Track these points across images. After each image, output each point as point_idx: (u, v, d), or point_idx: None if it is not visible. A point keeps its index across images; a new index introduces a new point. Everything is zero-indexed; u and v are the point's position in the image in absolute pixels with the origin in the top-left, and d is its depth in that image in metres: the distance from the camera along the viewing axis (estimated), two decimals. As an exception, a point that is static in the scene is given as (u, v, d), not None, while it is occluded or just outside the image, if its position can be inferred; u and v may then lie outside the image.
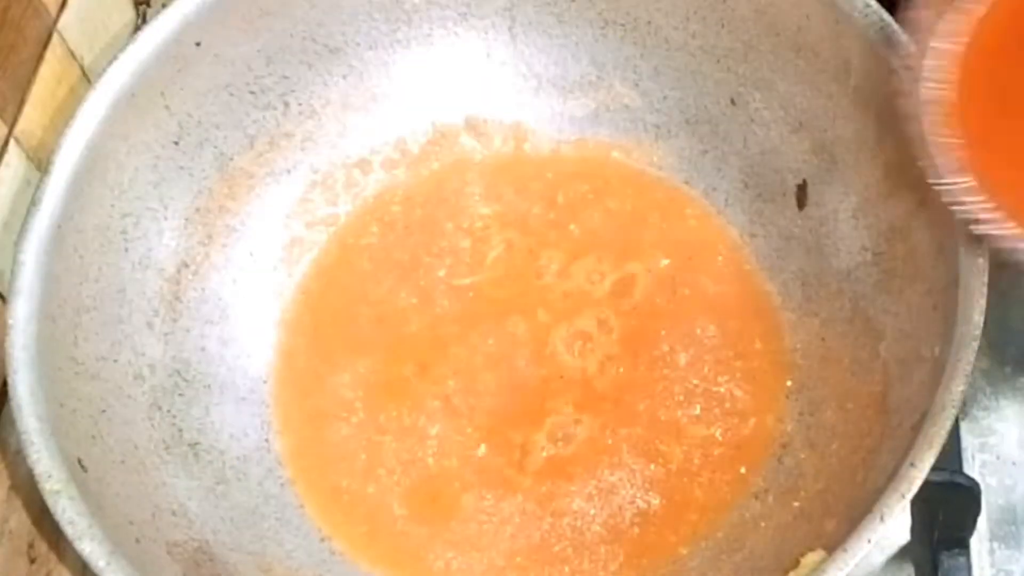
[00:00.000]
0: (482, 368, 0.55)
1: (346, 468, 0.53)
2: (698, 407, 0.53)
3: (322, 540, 0.52)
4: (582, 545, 0.51)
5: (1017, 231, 0.43)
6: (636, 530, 0.51)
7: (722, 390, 0.53)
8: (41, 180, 0.48)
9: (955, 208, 0.43)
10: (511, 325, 0.56)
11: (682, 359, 0.54)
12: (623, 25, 0.57)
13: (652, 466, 0.52)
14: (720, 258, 0.57)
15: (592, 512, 0.51)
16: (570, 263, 0.57)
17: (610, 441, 0.53)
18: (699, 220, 0.58)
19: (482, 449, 0.53)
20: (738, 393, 0.53)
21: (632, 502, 0.51)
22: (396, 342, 0.56)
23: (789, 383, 0.53)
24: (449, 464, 0.53)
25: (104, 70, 0.50)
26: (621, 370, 0.54)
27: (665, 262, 0.57)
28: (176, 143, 0.54)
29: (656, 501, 0.51)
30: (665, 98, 0.58)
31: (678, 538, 0.51)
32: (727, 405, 0.53)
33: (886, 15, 0.49)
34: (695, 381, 0.54)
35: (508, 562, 0.51)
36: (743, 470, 0.52)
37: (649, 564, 0.50)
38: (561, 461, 0.52)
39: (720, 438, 0.52)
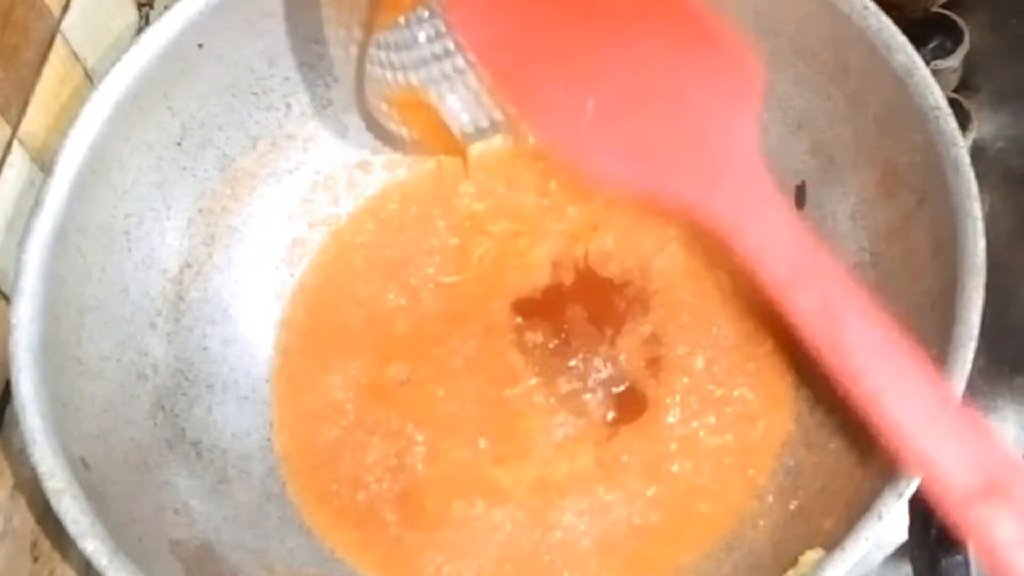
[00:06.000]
0: (466, 374, 0.55)
1: (334, 472, 0.53)
2: (712, 416, 0.53)
3: (323, 539, 0.52)
4: (572, 556, 0.51)
5: None
6: (631, 542, 0.51)
7: (735, 394, 0.53)
8: (44, 181, 0.49)
9: None
10: (500, 329, 0.55)
11: (699, 362, 0.54)
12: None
13: (652, 489, 0.51)
14: (731, 255, 0.56)
15: (583, 528, 0.51)
16: (571, 246, 0.57)
17: (610, 458, 0.52)
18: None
19: (470, 458, 0.53)
20: (749, 396, 0.53)
21: (628, 520, 0.51)
22: (384, 343, 0.56)
23: (788, 382, 0.53)
24: (437, 471, 0.53)
25: (107, 71, 0.50)
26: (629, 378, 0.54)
27: (680, 253, 0.56)
28: (179, 144, 0.54)
29: (656, 518, 0.51)
30: (665, 99, 0.58)
31: (678, 548, 0.50)
32: (739, 408, 0.53)
33: (884, 17, 0.49)
34: (710, 387, 0.53)
35: (498, 569, 0.51)
36: (752, 472, 0.51)
37: (647, 573, 0.50)
38: (555, 475, 0.52)
39: (732, 445, 0.52)
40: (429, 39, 0.51)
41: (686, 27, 0.43)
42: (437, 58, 0.52)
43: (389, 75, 0.52)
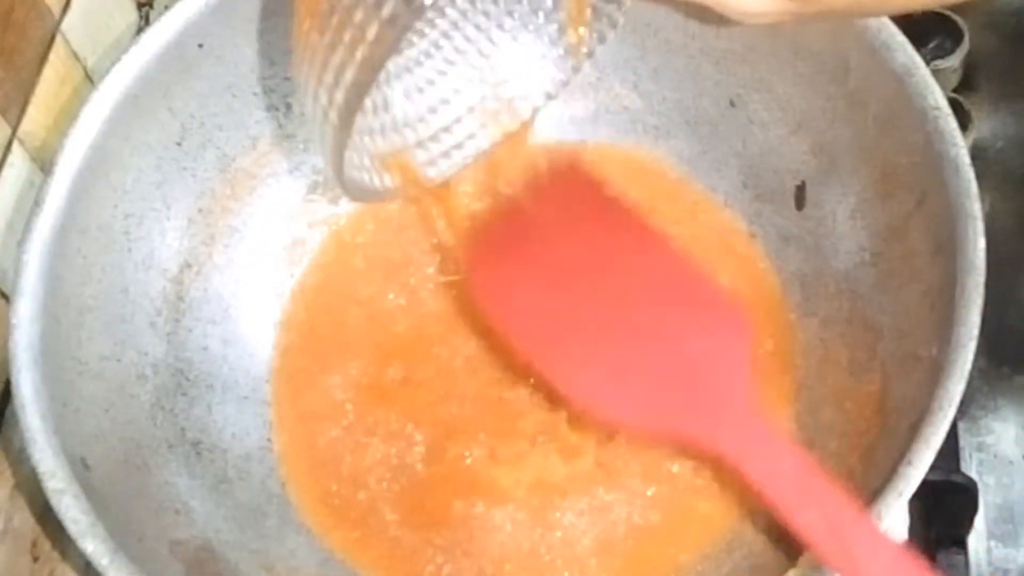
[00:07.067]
0: (466, 374, 0.55)
1: (335, 471, 0.53)
2: None
3: (323, 539, 0.52)
4: (572, 556, 0.51)
5: None
6: (631, 542, 0.51)
7: None
8: (44, 181, 0.48)
9: None
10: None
11: None
12: (623, 27, 0.57)
13: (652, 489, 0.51)
14: (733, 255, 0.56)
15: (583, 528, 0.51)
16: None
17: (610, 458, 0.52)
18: (707, 215, 0.57)
19: (470, 458, 0.53)
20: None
21: (628, 519, 0.51)
22: (384, 343, 0.56)
23: (787, 383, 0.53)
24: (437, 471, 0.53)
25: (107, 71, 0.50)
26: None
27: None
28: (179, 144, 0.54)
29: (656, 518, 0.51)
30: (664, 99, 0.58)
31: (678, 548, 0.50)
32: None
33: (884, 17, 0.49)
34: None
35: (498, 569, 0.51)
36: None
37: (647, 573, 0.50)
38: (555, 475, 0.52)
39: None
40: (404, 98, 0.51)
41: (684, 285, 0.48)
42: (421, 119, 0.51)
43: (367, 140, 0.50)
